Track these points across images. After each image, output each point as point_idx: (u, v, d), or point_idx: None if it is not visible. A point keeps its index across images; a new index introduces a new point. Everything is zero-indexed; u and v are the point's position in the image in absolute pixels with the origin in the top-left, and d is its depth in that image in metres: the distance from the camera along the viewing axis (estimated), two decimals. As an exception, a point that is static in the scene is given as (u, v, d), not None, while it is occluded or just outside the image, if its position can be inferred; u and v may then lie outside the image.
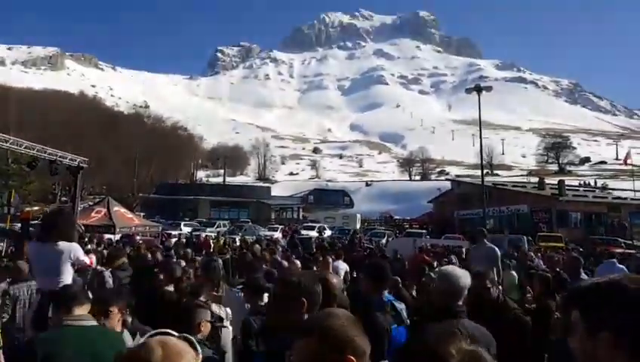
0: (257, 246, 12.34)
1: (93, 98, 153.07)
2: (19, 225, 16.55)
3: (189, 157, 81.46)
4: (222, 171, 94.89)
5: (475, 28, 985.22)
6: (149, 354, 1.03)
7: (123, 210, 19.18)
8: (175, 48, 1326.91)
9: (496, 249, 7.52)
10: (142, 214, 32.45)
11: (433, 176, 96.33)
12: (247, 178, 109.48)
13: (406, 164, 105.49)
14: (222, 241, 19.05)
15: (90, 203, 21.97)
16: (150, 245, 14.43)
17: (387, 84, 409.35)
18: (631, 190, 50.09)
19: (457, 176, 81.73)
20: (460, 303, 2.67)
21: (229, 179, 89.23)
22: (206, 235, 22.95)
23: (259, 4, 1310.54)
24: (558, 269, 6.96)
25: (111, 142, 51.39)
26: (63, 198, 37.90)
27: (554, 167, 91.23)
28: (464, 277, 2.71)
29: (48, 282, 4.01)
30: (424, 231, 34.17)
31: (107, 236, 16.83)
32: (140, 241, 17.02)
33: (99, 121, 73.19)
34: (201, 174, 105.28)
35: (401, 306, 3.11)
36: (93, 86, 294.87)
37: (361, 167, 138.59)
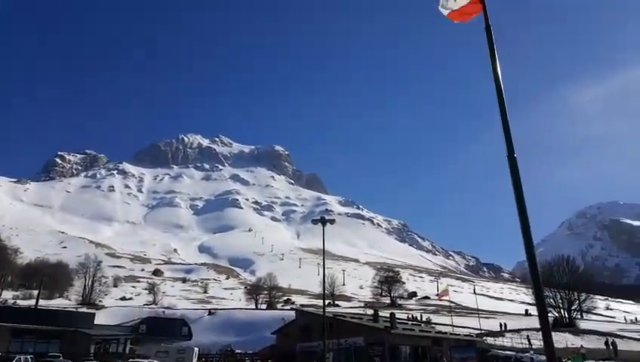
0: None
1: None
2: None
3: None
4: (36, 292, 79.63)
5: (322, 166, 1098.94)
6: None
7: None
8: (4, 146, 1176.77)
9: None
10: None
11: (279, 305, 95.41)
12: (68, 301, 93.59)
13: (253, 291, 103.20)
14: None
15: None
16: None
17: (241, 208, 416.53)
18: (450, 325, 56.09)
19: (302, 305, 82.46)
20: None
21: (44, 303, 75.24)
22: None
23: (114, 117, 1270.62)
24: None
25: None
26: None
27: (387, 300, 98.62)
28: None
29: None
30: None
31: None
32: None
33: None
34: (7, 295, 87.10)
35: None
36: None
37: (205, 292, 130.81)
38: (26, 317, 50.35)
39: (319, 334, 31.93)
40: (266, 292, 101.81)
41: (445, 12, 7.95)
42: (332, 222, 28.13)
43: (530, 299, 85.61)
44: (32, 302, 72.35)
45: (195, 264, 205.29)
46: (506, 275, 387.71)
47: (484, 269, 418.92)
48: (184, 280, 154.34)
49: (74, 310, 68.54)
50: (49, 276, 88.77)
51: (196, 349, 40.27)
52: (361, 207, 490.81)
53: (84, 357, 40.27)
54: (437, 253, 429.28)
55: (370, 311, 55.42)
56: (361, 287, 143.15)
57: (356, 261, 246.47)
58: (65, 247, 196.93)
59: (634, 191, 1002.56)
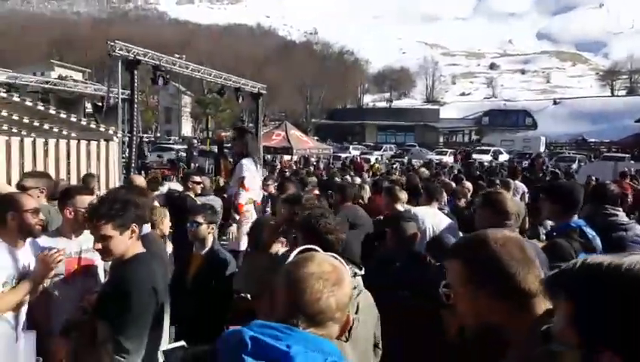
0: (423, 169, 12.00)
1: (268, 29, 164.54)
2: (215, 146, 18.87)
3: (355, 82, 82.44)
4: (387, 95, 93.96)
5: None
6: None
7: (299, 133, 20.37)
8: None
9: None
10: (315, 138, 34.39)
11: (644, 90, 79.58)
12: (414, 101, 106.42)
13: (608, 76, 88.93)
14: (376, 165, 20.44)
15: (270, 127, 23.91)
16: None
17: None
18: None
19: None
20: None
21: (396, 103, 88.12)
22: (362, 157, 24.17)
23: None
24: None
25: (284, 70, 55.12)
26: (251, 124, 42.50)
27: None
28: None
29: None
30: (628, 155, 28.41)
31: (286, 157, 18.75)
32: (314, 162, 18.66)
33: (273, 50, 79.11)
34: (367, 99, 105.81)
35: (592, 233, 2.63)
36: (267, 17, 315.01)
37: (548, 82, 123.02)
38: (385, 115, 61.57)
39: None
40: (624, 76, 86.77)
41: None
42: None
43: None
44: (384, 104, 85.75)
45: (534, 53, 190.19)
46: None
47: None
48: (523, 72, 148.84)
49: (421, 107, 77.93)
50: (396, 80, 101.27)
51: (543, 138, 39.14)
52: None
53: (435, 145, 46.15)
54: None
55: None
56: None
57: None
58: (404, 53, 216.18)
59: None
